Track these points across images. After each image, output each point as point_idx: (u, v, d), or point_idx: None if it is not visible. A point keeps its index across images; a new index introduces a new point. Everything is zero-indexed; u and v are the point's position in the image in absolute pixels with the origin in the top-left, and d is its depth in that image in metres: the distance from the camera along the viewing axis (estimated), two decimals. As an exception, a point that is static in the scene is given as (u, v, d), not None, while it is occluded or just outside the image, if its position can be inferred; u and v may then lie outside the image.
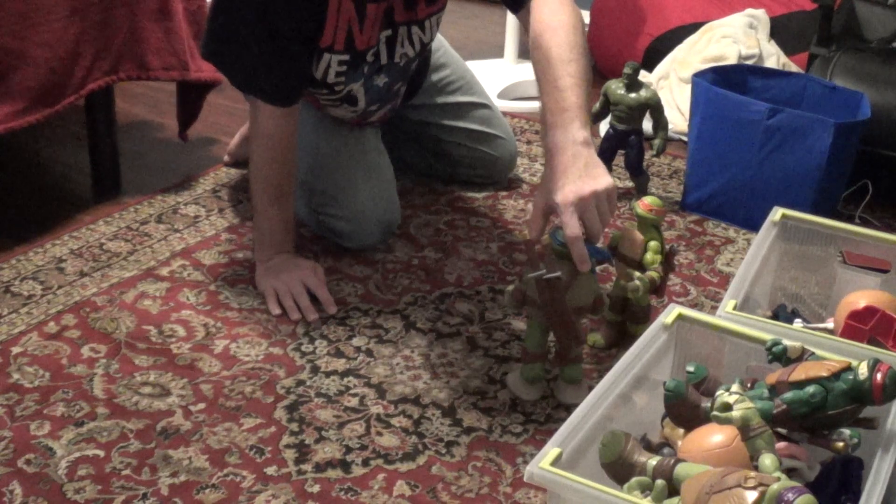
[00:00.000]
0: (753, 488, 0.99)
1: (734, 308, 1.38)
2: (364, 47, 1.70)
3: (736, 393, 1.14)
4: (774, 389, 1.19)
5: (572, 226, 1.39)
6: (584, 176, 1.41)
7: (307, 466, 1.37)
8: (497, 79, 2.73)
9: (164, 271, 1.80)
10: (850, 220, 2.08)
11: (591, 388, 1.23)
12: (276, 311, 1.69)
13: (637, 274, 1.57)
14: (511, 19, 2.83)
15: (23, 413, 1.43)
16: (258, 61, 1.66)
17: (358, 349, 1.62)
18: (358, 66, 1.73)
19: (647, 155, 2.25)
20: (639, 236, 1.60)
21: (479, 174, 2.16)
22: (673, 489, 1.10)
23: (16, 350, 1.56)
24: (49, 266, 1.79)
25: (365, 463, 1.38)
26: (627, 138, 2.14)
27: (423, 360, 1.61)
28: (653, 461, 1.13)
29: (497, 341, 1.66)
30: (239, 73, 1.73)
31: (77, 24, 1.83)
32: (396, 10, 1.72)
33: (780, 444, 1.16)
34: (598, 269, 1.51)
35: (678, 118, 2.50)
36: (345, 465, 1.37)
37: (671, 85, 2.61)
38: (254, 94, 1.69)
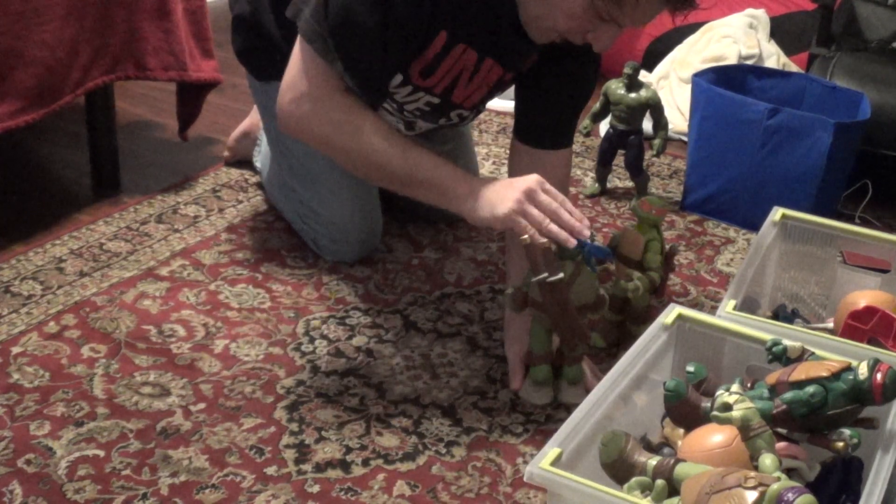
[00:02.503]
0: (753, 488, 0.99)
1: (734, 308, 1.38)
2: (459, 101, 1.62)
3: (736, 393, 1.14)
4: (774, 389, 1.19)
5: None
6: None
7: (307, 466, 1.37)
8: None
9: (164, 271, 1.80)
10: (850, 220, 2.08)
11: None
12: (529, 231, 1.39)
13: (637, 274, 1.57)
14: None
15: (23, 413, 1.43)
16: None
17: (358, 349, 1.62)
18: (440, 115, 1.65)
19: (647, 155, 2.24)
20: (639, 236, 1.60)
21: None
22: (673, 489, 1.10)
23: (16, 350, 1.56)
24: (49, 266, 1.79)
25: (365, 463, 1.38)
26: (627, 138, 2.14)
27: (423, 360, 1.60)
28: (653, 461, 1.13)
29: (497, 341, 1.66)
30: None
31: (75, 24, 1.82)
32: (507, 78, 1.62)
33: (780, 444, 1.16)
34: (598, 268, 1.51)
35: (678, 118, 2.50)
36: (345, 465, 1.37)
37: (671, 85, 2.61)
38: (351, 80, 1.46)
